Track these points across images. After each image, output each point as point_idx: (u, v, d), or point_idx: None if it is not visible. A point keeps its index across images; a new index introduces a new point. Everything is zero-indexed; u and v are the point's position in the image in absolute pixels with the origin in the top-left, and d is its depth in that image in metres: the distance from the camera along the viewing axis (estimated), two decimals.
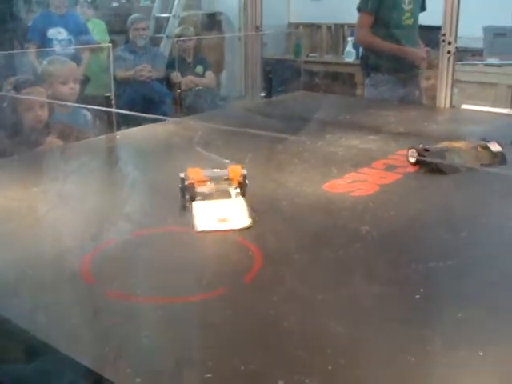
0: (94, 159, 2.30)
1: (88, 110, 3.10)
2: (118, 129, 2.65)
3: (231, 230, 1.51)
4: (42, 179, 1.96)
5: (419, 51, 3.59)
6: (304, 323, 1.12)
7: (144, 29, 4.95)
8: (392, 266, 1.36)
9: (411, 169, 2.05)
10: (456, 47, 3.06)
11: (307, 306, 1.18)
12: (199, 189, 1.64)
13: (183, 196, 1.66)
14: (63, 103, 2.97)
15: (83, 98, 3.42)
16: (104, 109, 2.48)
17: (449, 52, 3.07)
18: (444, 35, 3.06)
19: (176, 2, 5.92)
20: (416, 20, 3.64)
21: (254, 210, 1.60)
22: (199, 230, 1.51)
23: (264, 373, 0.97)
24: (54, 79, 3.10)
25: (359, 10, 3.58)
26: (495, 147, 2.04)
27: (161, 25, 6.01)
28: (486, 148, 2.04)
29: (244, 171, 1.69)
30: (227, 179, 1.66)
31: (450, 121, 2.99)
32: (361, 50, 3.90)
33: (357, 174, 1.99)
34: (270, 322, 1.13)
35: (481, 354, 1.02)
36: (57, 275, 1.32)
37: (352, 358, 1.02)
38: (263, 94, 3.47)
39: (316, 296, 1.21)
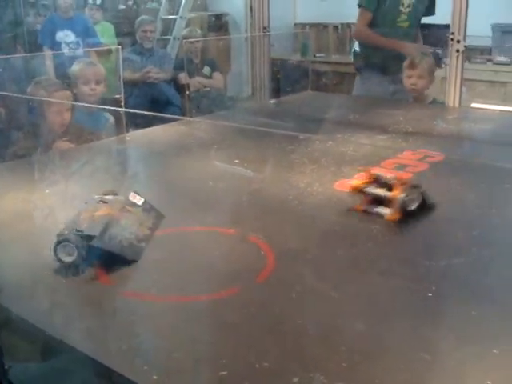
0: (103, 161, 2.30)
1: (109, 112, 3.10)
2: (127, 131, 2.66)
3: None
4: (54, 180, 1.97)
5: (415, 45, 3.64)
6: (321, 319, 1.13)
7: (152, 31, 4.95)
8: (406, 263, 1.36)
9: (421, 168, 2.05)
10: (465, 46, 3.05)
11: (321, 303, 1.19)
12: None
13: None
14: (79, 104, 2.97)
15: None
16: (120, 110, 2.48)
17: (457, 51, 3.06)
18: (453, 34, 3.06)
19: (182, 4, 5.93)
20: (412, 24, 3.71)
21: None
22: None
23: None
24: (79, 80, 3.12)
25: (359, 5, 3.72)
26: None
27: (167, 26, 6.02)
28: (135, 205, 1.52)
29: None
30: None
31: (460, 120, 2.98)
32: (354, 47, 4.00)
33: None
34: (286, 320, 1.13)
35: (495, 351, 1.02)
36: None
37: (366, 354, 1.03)
38: (273, 101, 3.47)
39: (329, 293, 1.22)
